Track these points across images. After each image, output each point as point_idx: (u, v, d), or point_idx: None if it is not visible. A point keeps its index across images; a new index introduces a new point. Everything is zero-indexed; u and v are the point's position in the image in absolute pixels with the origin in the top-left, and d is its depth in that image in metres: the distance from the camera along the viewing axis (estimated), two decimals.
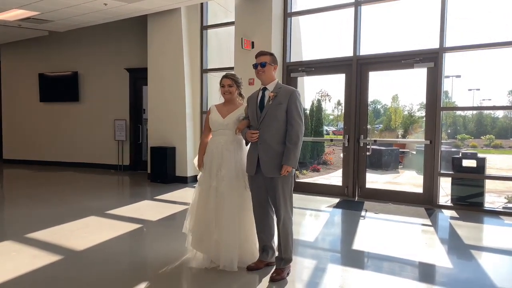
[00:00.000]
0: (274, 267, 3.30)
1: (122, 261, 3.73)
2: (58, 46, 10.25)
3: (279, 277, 3.17)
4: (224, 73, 3.63)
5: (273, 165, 3.14)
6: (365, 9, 6.40)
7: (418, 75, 6.12)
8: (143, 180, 8.24)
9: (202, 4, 7.96)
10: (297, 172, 3.36)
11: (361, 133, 6.39)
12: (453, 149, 8.40)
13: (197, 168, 3.59)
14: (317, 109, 9.04)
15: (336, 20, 7.27)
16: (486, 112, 10.07)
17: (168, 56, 8.02)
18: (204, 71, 8.12)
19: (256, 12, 6.88)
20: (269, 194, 3.25)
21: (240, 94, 3.59)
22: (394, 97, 9.58)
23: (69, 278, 3.27)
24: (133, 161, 9.54)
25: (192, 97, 8.06)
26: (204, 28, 8.06)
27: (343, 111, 6.83)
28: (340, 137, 7.15)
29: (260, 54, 3.30)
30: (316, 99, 9.11)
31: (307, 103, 8.90)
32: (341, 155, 6.76)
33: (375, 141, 6.58)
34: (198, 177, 3.61)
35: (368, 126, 6.42)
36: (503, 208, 5.77)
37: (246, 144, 3.43)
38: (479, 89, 8.03)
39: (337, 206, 6.01)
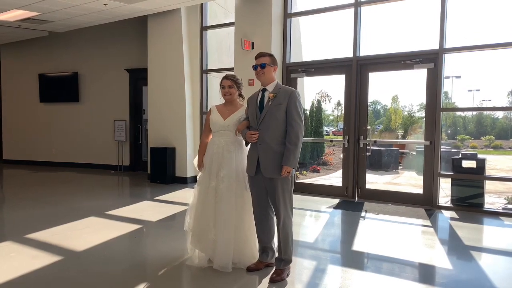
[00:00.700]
0: (274, 268, 3.30)
1: (122, 261, 3.73)
2: (58, 46, 10.25)
3: (279, 278, 3.17)
4: (224, 73, 3.63)
5: (273, 165, 3.14)
6: (365, 9, 6.40)
7: (418, 76, 6.13)
8: (143, 181, 8.24)
9: (202, 4, 7.96)
10: (297, 173, 3.35)
11: (361, 133, 6.39)
12: (453, 150, 8.41)
13: (197, 169, 3.59)
14: (317, 109, 9.05)
15: (336, 21, 7.28)
16: (486, 112, 10.07)
17: (168, 56, 8.02)
18: (204, 71, 8.12)
19: (256, 12, 6.88)
20: (269, 195, 3.25)
21: (241, 95, 3.59)
22: (394, 97, 9.59)
23: (69, 278, 3.27)
24: (133, 161, 9.54)
25: (192, 98, 8.06)
26: (204, 28, 8.06)
27: (343, 111, 6.83)
28: (340, 138, 7.15)
29: (260, 55, 3.31)
30: (316, 100, 9.12)
31: (307, 104, 8.91)
32: (341, 155, 6.76)
33: (375, 141, 6.57)
34: (197, 177, 3.61)
35: (368, 127, 6.42)
36: (503, 209, 5.77)
37: (246, 145, 3.43)
38: (479, 90, 8.04)
39: (337, 206, 6.01)
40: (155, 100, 8.28)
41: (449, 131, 9.52)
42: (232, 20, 7.40)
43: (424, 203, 5.93)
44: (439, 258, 3.85)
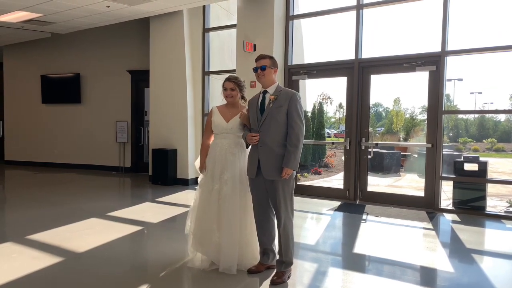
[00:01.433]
0: (275, 270, 3.29)
1: (123, 263, 3.73)
2: (61, 48, 10.28)
3: (280, 280, 3.16)
4: (226, 75, 3.61)
5: (273, 167, 3.14)
6: (367, 12, 6.41)
7: (420, 79, 6.13)
8: (144, 182, 8.25)
9: (204, 6, 7.98)
10: (298, 175, 3.33)
11: (362, 136, 6.39)
12: (455, 153, 8.39)
13: (199, 171, 3.57)
14: (318, 112, 9.04)
15: (338, 23, 7.28)
16: (488, 115, 10.05)
17: (170, 58, 8.03)
18: (206, 73, 8.13)
19: (258, 15, 6.89)
20: (270, 197, 3.24)
21: (243, 97, 3.55)
22: (396, 100, 9.58)
23: (70, 280, 3.27)
24: (135, 163, 9.55)
25: (194, 99, 8.07)
26: (206, 30, 8.08)
27: (344, 114, 6.83)
28: (342, 140, 7.14)
29: (260, 57, 3.30)
30: (318, 102, 9.11)
31: (308, 106, 8.91)
32: (343, 158, 6.75)
33: (376, 144, 6.57)
34: (198, 179, 3.60)
35: (370, 129, 6.41)
36: (505, 212, 5.75)
37: (247, 147, 3.43)
38: (481, 93, 8.03)
39: (338, 209, 5.99)
40: (157, 101, 8.29)
41: (451, 134, 9.51)
42: (234, 22, 7.41)
43: (426, 206, 5.91)
44: (440, 261, 3.84)
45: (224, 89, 3.49)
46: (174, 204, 6.25)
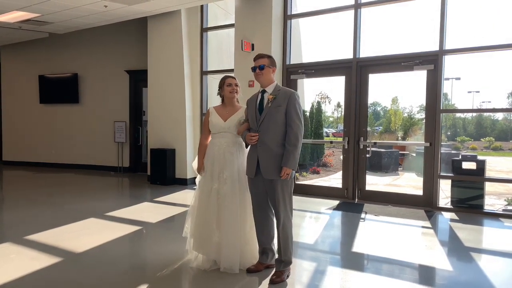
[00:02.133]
0: (274, 270, 3.30)
1: (122, 263, 3.72)
2: (58, 47, 10.27)
3: (279, 279, 3.17)
4: (223, 75, 3.62)
5: (272, 167, 3.14)
6: (364, 11, 6.41)
7: (418, 77, 6.13)
8: (143, 182, 8.24)
9: (202, 6, 7.97)
10: (297, 174, 3.34)
11: (361, 135, 6.40)
12: (453, 151, 8.41)
13: (197, 172, 3.56)
14: (317, 111, 9.04)
15: (336, 23, 7.28)
16: (486, 114, 10.07)
17: (168, 58, 8.03)
18: (204, 73, 8.12)
19: (256, 14, 6.89)
20: (269, 196, 3.24)
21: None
22: (394, 99, 9.60)
23: (68, 280, 3.26)
24: (133, 163, 9.54)
25: (192, 99, 8.07)
26: (204, 30, 8.07)
27: (343, 113, 6.83)
28: (340, 139, 7.15)
29: (258, 57, 3.31)
30: (316, 101, 9.12)
31: (307, 105, 8.91)
32: (341, 157, 6.76)
33: (375, 143, 6.57)
34: (196, 180, 3.59)
35: (368, 128, 6.42)
36: (503, 210, 5.77)
37: (246, 147, 3.43)
38: (479, 91, 8.05)
39: (337, 208, 6.00)
40: (155, 101, 8.28)
41: (449, 133, 9.53)
42: (232, 21, 7.41)
43: (424, 205, 5.92)
44: (439, 259, 3.85)
45: (229, 84, 3.48)
46: (172, 204, 6.25)
